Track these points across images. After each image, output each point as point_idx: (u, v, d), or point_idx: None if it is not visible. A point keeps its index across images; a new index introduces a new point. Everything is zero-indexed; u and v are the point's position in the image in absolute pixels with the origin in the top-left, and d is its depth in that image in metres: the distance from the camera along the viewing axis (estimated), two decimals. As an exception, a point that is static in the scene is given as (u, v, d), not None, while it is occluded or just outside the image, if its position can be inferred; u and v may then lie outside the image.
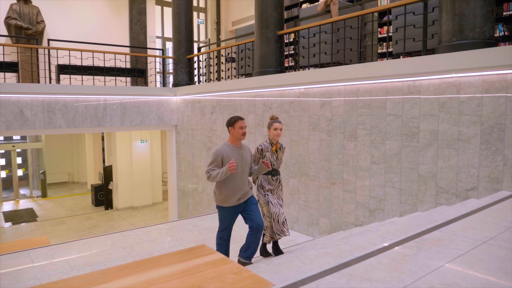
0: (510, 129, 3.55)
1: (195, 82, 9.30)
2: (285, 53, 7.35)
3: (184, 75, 9.16)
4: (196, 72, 9.25)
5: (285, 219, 4.19)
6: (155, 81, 10.01)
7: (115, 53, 8.50)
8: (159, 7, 12.17)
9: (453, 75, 3.92)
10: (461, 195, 3.94)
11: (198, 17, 12.86)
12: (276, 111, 6.17)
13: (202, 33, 13.19)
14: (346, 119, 5.08)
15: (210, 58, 8.82)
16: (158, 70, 10.43)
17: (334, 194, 5.35)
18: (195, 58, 9.20)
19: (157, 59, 10.37)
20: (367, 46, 6.31)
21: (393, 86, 4.49)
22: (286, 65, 7.52)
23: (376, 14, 6.30)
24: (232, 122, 3.85)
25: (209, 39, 12.37)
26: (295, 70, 6.57)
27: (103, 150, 14.29)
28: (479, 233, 2.01)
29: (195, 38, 12.57)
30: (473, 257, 1.66)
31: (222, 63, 8.64)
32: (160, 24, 12.19)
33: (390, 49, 5.74)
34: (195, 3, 12.66)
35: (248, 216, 3.94)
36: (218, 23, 13.03)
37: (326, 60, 5.81)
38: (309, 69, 6.41)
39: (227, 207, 3.91)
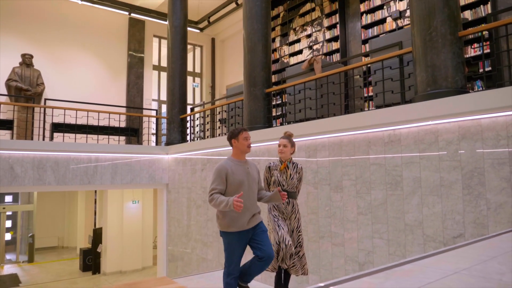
0: (489, 173, 3.56)
1: (187, 141, 9.44)
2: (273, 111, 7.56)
3: (177, 134, 9.32)
4: (188, 131, 9.43)
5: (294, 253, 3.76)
6: (148, 140, 10.16)
7: (109, 113, 8.73)
8: (156, 72, 12.72)
9: (430, 122, 4.02)
10: (449, 243, 3.83)
11: (194, 81, 13.40)
12: (263, 166, 6.18)
13: (197, 96, 13.64)
14: (332, 170, 5.09)
15: (202, 117, 9.04)
16: (152, 129, 10.63)
17: (322, 248, 5.19)
18: (188, 118, 9.43)
19: (152, 119, 10.61)
20: (352, 100, 6.52)
21: (374, 136, 4.58)
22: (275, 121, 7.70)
23: (360, 69, 6.62)
24: (235, 134, 3.49)
25: (204, 101, 12.76)
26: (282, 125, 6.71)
27: (95, 213, 14.08)
28: (453, 265, 1.94)
29: (191, 101, 13.01)
30: (442, 284, 1.59)
31: (214, 121, 8.86)
32: (156, 87, 12.65)
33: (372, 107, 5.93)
34: (190, 68, 13.26)
35: (257, 245, 3.44)
36: (213, 87, 13.55)
37: (311, 115, 5.96)
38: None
39: (234, 232, 3.39)
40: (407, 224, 4.19)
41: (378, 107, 5.24)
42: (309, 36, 9.78)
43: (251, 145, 3.66)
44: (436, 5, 4.22)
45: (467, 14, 6.82)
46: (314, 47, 9.53)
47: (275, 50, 10.78)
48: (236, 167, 3.43)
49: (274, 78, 10.43)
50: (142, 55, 12.12)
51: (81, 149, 8.00)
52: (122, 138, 10.27)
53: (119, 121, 9.46)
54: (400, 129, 4.31)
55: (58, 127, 8.57)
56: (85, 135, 8.75)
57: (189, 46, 13.30)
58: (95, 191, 13.92)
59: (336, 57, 8.91)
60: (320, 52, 9.31)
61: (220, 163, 3.44)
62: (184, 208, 8.52)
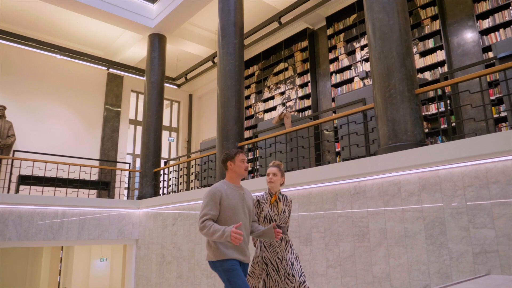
0: (449, 222, 3.64)
1: (160, 194, 9.31)
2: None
3: (149, 188, 9.20)
4: (161, 185, 9.33)
5: None
6: (119, 193, 9.97)
7: (80, 165, 8.60)
8: (132, 126, 12.79)
9: (393, 174, 4.15)
10: (416, 295, 3.81)
11: (170, 135, 13.49)
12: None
13: (173, 150, 13.67)
14: (301, 223, 5.10)
15: (176, 171, 9.01)
16: (125, 183, 10.46)
17: (293, 304, 5.03)
18: (162, 172, 9.37)
19: (124, 173, 10.48)
20: (322, 153, 6.69)
21: (341, 188, 4.66)
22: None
23: (331, 125, 6.86)
24: (231, 156, 3.17)
25: (179, 156, 12.78)
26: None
27: (60, 272, 13.30)
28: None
29: (166, 155, 12.99)
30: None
31: (186, 175, 8.83)
32: (132, 141, 12.65)
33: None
34: (167, 123, 13.41)
35: None
36: (189, 141, 13.65)
37: (281, 168, 6.05)
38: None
39: (232, 259, 2.97)
40: (375, 276, 4.16)
41: (345, 160, 5.39)
42: (282, 93, 10.17)
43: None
44: (394, 65, 4.54)
45: (427, 75, 7.32)
46: (287, 104, 9.89)
47: (250, 106, 11.11)
48: (231, 191, 3.10)
49: (249, 133, 10.65)
50: (119, 109, 12.23)
51: (47, 203, 7.75)
52: (93, 191, 10.04)
53: (90, 174, 9.31)
54: (365, 181, 4.42)
55: (25, 180, 8.34)
56: (53, 188, 8.52)
57: (167, 102, 13.60)
58: (62, 248, 13.26)
59: (308, 113, 9.24)
60: (293, 109, 9.65)
61: (214, 185, 3.11)
62: (153, 265, 8.20)
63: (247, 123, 10.89)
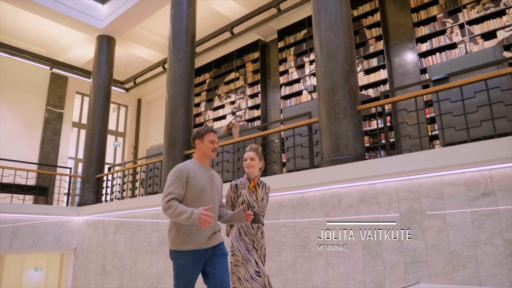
0: (383, 234, 3.83)
1: (102, 201, 8.95)
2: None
3: (91, 194, 8.81)
4: (104, 191, 8.97)
5: None
6: (58, 200, 9.45)
7: (15, 169, 8.08)
8: (76, 129, 12.23)
9: (334, 186, 4.30)
10: (352, 304, 3.95)
11: (116, 140, 13.05)
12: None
13: (119, 156, 13.22)
14: (245, 232, 5.12)
15: (120, 177, 8.73)
16: (65, 189, 9.94)
17: (235, 315, 5.03)
18: (105, 178, 9.03)
19: (65, 178, 9.97)
20: (270, 164, 6.78)
21: (285, 198, 4.76)
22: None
23: (279, 136, 6.97)
24: (201, 134, 2.95)
25: (125, 162, 12.38)
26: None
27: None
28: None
29: (111, 161, 12.54)
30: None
31: (131, 181, 8.57)
32: (75, 145, 12.09)
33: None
34: (113, 127, 12.96)
35: (210, 272, 2.77)
36: (136, 147, 13.28)
37: (228, 178, 6.06)
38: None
39: (189, 251, 2.71)
40: (315, 285, 4.27)
41: (290, 171, 5.51)
42: (232, 102, 10.22)
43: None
44: (339, 81, 4.73)
45: (370, 92, 7.69)
46: (237, 113, 9.95)
47: (200, 114, 11.05)
48: (200, 171, 2.86)
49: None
50: (62, 111, 11.66)
51: (-24, 209, 7.20)
52: (29, 197, 9.45)
53: (27, 179, 8.76)
54: (308, 192, 4.54)
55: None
56: (-17, 193, 7.93)
57: (114, 105, 13.16)
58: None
59: (257, 123, 9.36)
60: (243, 118, 9.72)
61: (180, 164, 2.88)
62: (92, 275, 7.84)
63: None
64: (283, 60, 9.36)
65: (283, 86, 9.12)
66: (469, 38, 6.69)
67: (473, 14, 6.77)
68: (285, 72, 9.22)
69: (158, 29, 10.48)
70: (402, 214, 3.84)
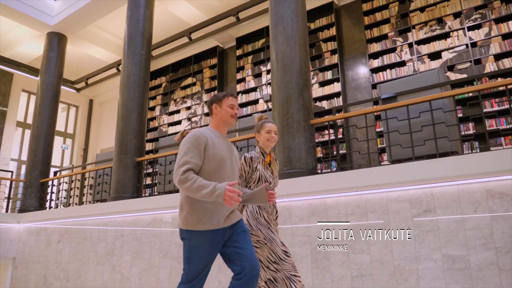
0: (331, 247, 3.91)
1: (46, 208, 8.49)
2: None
3: (34, 200, 8.33)
4: (49, 197, 8.51)
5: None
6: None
7: None
8: (21, 129, 11.55)
9: (285, 199, 4.34)
10: (299, 317, 3.99)
11: (64, 142, 12.45)
12: (127, 239, 5.85)
13: (67, 158, 12.62)
14: (196, 243, 5.04)
15: (66, 182, 8.32)
16: (5, 194, 9.31)
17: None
18: (50, 183, 8.57)
19: (5, 182, 9.35)
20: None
21: (237, 210, 4.73)
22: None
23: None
24: (219, 98, 2.57)
25: (73, 165, 11.84)
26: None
27: None
28: None
29: (58, 164, 11.95)
30: None
31: (78, 188, 8.18)
32: (18, 146, 11.40)
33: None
34: (62, 128, 12.37)
35: (235, 253, 2.36)
36: (85, 150, 12.74)
37: (181, 186, 5.95)
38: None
39: (205, 231, 2.31)
40: (264, 299, 4.27)
41: (243, 182, 5.49)
42: (188, 108, 10.09)
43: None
44: (293, 95, 4.80)
45: (325, 104, 7.88)
46: (193, 119, 9.82)
47: (154, 118, 10.80)
48: (218, 139, 2.46)
49: (151, 146, 10.31)
50: (5, 109, 10.98)
51: None
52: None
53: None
54: (260, 204, 4.55)
55: None
56: None
57: (63, 106, 12.57)
58: None
59: (213, 130, 9.28)
60: (198, 124, 9.61)
61: (196, 130, 2.46)
62: (32, 287, 7.38)
63: (150, 135, 10.56)
64: (241, 68, 9.37)
65: (240, 94, 9.13)
66: (417, 57, 7.04)
67: (421, 35, 7.14)
68: (242, 80, 9.24)
69: (113, 29, 10.15)
70: (350, 229, 3.93)
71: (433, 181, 3.65)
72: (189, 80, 10.34)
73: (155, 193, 6.63)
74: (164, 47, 9.99)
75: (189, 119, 9.93)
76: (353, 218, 3.95)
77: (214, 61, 9.92)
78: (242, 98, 9.04)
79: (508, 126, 5.93)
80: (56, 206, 8.31)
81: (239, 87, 9.20)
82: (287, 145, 4.59)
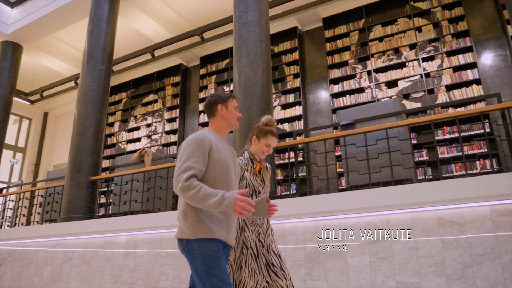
0: (291, 274, 3.86)
1: (-11, 227, 7.91)
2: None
3: (-24, 219, 7.75)
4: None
5: None
6: None
7: None
8: (-35, 142, 10.81)
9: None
10: None
11: (14, 156, 11.77)
12: (76, 262, 5.53)
13: (16, 174, 11.92)
14: (150, 269, 4.84)
15: (13, 201, 7.82)
16: None
17: None
18: (-5, 200, 8.02)
19: None
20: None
21: (194, 234, 4.60)
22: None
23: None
24: (223, 98, 2.31)
25: (22, 181, 11.18)
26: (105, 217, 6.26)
27: None
28: None
29: (6, 179, 11.27)
30: None
31: (25, 206, 7.70)
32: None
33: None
34: (12, 142, 11.71)
35: None
36: (37, 165, 12.10)
37: (136, 208, 5.75)
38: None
39: (218, 240, 2.02)
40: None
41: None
42: (149, 125, 9.87)
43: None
44: (255, 118, 4.80)
45: (286, 126, 7.96)
46: (153, 137, 9.61)
47: (112, 134, 10.47)
48: (220, 143, 2.20)
49: (108, 163, 9.96)
50: (-51, 120, 10.24)
51: None
52: None
53: None
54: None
55: None
56: None
57: (15, 117, 11.96)
58: None
59: (173, 149, 9.12)
60: (158, 143, 9.41)
61: (197, 132, 2.17)
62: (-33, 313, 6.78)
63: (108, 152, 10.20)
64: (204, 87, 9.33)
65: (202, 113, 9.05)
66: (375, 84, 7.30)
67: (379, 63, 7.43)
68: (205, 99, 9.17)
69: (73, 41, 9.86)
70: (308, 255, 3.92)
71: (389, 209, 3.72)
72: (150, 97, 10.15)
73: (109, 213, 6.36)
74: (126, 62, 9.80)
75: (149, 136, 9.71)
76: (310, 244, 3.94)
77: (177, 79, 9.82)
78: (205, 117, 8.97)
79: (457, 154, 6.22)
80: (0, 226, 7.76)
81: (202, 106, 9.13)
82: (247, 169, 4.54)
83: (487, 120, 5.90)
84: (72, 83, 10.55)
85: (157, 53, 9.16)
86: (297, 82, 8.12)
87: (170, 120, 9.56)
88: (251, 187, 2.59)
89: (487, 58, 6.68)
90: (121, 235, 5.21)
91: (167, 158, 6.44)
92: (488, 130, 6.03)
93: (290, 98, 8.08)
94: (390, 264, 3.63)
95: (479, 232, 3.40)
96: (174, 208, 5.72)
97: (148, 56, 9.38)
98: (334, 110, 7.58)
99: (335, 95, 7.68)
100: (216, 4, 8.31)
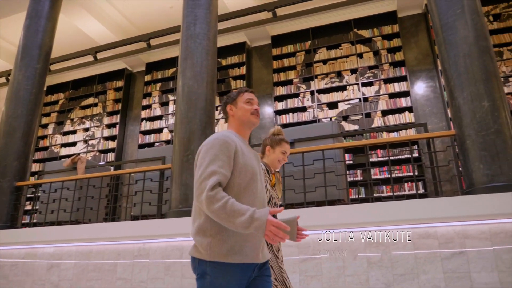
0: (220, 293, 3.83)
1: None
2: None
3: None
4: None
5: None
6: None
7: None
8: None
9: (178, 239, 4.19)
10: None
11: None
12: None
13: None
14: (74, 283, 4.57)
15: None
16: None
17: None
18: None
19: None
20: (118, 207, 6.31)
21: (125, 248, 4.43)
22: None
23: (132, 175, 6.59)
24: (232, 97, 2.02)
25: None
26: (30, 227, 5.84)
27: None
28: None
29: None
30: None
31: None
32: None
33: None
34: None
35: None
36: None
37: (64, 218, 5.43)
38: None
39: (237, 265, 1.68)
40: None
41: (135, 217, 5.21)
42: (86, 129, 9.43)
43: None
44: (196, 131, 4.75)
45: (229, 140, 7.95)
46: (90, 142, 9.19)
47: (45, 136, 9.86)
48: (245, 146, 1.90)
49: (38, 167, 9.35)
50: None
51: None
52: None
53: None
54: (150, 243, 4.32)
55: None
56: None
57: None
58: None
59: (111, 156, 8.76)
60: (96, 148, 9.00)
61: (219, 133, 1.84)
62: None
63: (39, 155, 9.58)
64: (148, 94, 9.12)
65: (144, 121, 8.82)
66: (317, 104, 7.56)
67: (322, 85, 7.71)
68: (149, 106, 8.97)
69: (8, 35, 9.21)
70: (240, 272, 3.91)
71: (321, 228, 3.83)
72: (90, 100, 9.72)
73: (34, 222, 5.94)
74: (66, 62, 9.33)
75: (85, 141, 9.25)
76: (243, 261, 3.94)
77: (120, 83, 9.50)
78: (146, 125, 8.74)
79: (387, 176, 6.58)
80: None
81: (144, 114, 8.90)
82: (184, 182, 4.47)
83: (416, 146, 6.31)
84: (3, 79, 9.83)
85: (100, 55, 8.83)
86: (243, 97, 8.17)
87: (109, 126, 9.20)
88: (273, 200, 2.47)
89: (420, 88, 7.18)
90: (46, 246, 4.88)
91: (104, 167, 6.17)
92: (417, 155, 6.46)
93: (235, 112, 8.10)
94: (319, 283, 3.72)
95: (401, 253, 3.60)
96: (107, 219, 5.47)
97: (90, 58, 9.01)
98: (277, 127, 7.70)
99: (278, 112, 7.84)
100: (165, 12, 8.21)
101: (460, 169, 4.03)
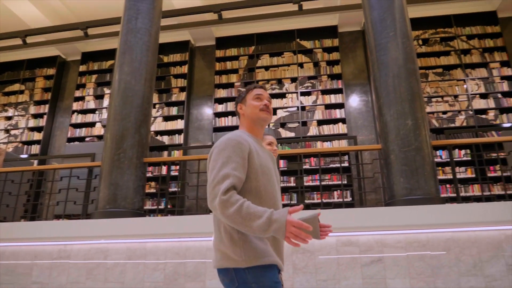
0: (144, 298, 3.73)
1: None
2: None
3: None
4: None
5: None
6: None
7: None
8: None
9: (102, 241, 4.01)
10: None
11: None
12: None
13: None
14: (-18, 286, 4.19)
15: None
16: None
17: None
18: None
19: None
20: (42, 205, 5.90)
21: (43, 249, 4.15)
22: None
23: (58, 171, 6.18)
24: (242, 96, 1.95)
25: None
26: None
27: None
28: None
29: None
30: None
31: None
32: None
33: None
34: None
35: None
36: None
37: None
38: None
39: (274, 266, 1.60)
40: None
41: (57, 216, 4.91)
42: (9, 118, 8.71)
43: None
44: (130, 130, 4.59)
45: (165, 139, 7.79)
46: (12, 132, 8.49)
47: (-40, 123, 8.95)
48: (259, 146, 1.82)
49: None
50: None
51: None
52: None
53: None
54: (72, 244, 4.09)
55: None
56: None
57: None
58: None
59: (35, 149, 8.17)
60: (18, 139, 8.35)
61: (231, 133, 1.74)
62: None
63: (-49, 142, 8.66)
64: (82, 85, 8.64)
65: (76, 113, 8.35)
66: (257, 110, 7.63)
67: (263, 91, 7.80)
68: (81, 98, 8.50)
69: None
70: (167, 276, 3.83)
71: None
72: (16, 87, 8.99)
73: None
74: (-9, 43, 8.56)
75: (7, 131, 8.54)
76: (170, 265, 3.87)
77: (51, 71, 8.89)
78: (78, 118, 8.27)
79: (317, 184, 6.82)
80: None
81: (76, 106, 8.42)
82: (114, 182, 4.29)
83: (346, 157, 6.61)
84: None
85: (31, 39, 8.21)
86: (183, 96, 8.06)
87: (36, 116, 8.57)
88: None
89: (354, 101, 7.55)
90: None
91: (27, 161, 5.73)
92: (347, 165, 6.78)
93: (174, 110, 7.97)
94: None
95: (325, 260, 3.75)
96: (24, 217, 5.09)
97: (19, 41, 8.34)
98: (215, 129, 7.69)
99: (218, 114, 7.82)
100: (107, 1, 7.84)
101: (384, 181, 4.30)
